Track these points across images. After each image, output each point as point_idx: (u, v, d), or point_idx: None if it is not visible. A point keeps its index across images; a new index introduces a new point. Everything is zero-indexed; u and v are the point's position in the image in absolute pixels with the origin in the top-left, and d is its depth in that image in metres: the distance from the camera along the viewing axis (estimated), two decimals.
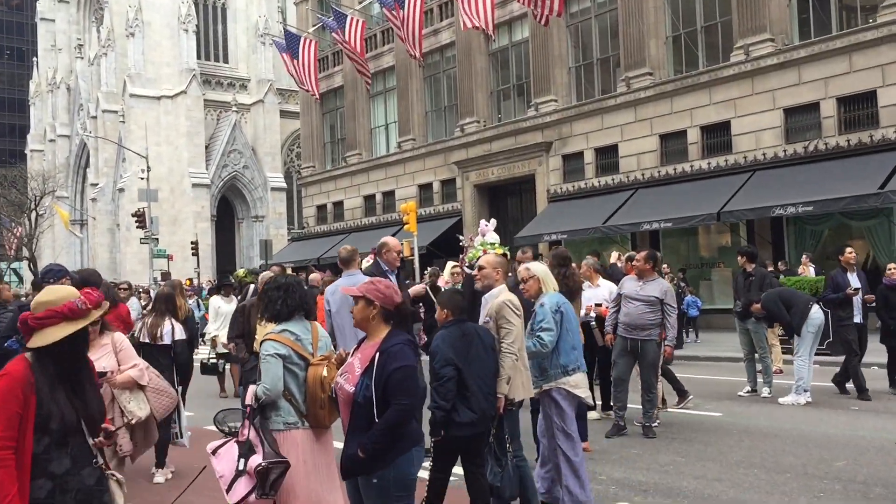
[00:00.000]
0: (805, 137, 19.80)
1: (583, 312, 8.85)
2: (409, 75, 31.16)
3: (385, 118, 33.39)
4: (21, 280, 51.52)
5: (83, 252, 67.19)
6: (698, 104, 21.97)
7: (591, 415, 8.85)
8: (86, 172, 67.17)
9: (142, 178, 36.82)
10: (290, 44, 32.07)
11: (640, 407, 8.14)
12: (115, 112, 61.06)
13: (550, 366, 5.70)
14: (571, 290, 7.31)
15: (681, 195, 21.50)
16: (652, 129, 23.10)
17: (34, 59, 77.15)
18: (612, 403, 8.50)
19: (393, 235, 24.18)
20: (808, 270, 17.98)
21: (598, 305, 8.77)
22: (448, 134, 29.98)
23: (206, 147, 60.03)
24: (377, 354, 3.89)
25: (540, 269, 6.08)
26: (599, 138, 24.49)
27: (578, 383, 5.78)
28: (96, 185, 62.70)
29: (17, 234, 50.54)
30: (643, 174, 23.16)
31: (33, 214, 52.19)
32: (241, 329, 8.61)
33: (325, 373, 4.18)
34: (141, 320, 7.67)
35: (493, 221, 8.56)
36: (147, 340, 7.20)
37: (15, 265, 53.60)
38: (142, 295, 14.86)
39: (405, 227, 22.64)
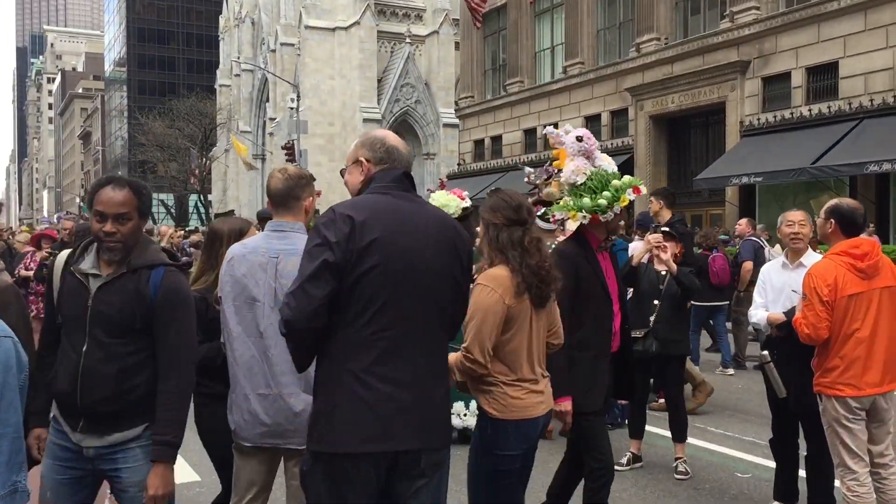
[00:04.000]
0: None
1: (778, 310, 4.75)
2: None
3: (551, 40, 29.09)
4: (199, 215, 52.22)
5: (262, 187, 68.33)
6: None
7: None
8: (266, 107, 67.71)
9: (291, 108, 35.04)
10: None
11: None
12: (293, 45, 60.58)
13: None
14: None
15: None
16: (888, 41, 17.47)
17: None
18: None
19: (548, 180, 20.40)
20: None
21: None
22: (621, 55, 25.32)
23: (379, 81, 58.25)
24: None
25: None
26: (813, 54, 19.06)
27: None
28: (274, 119, 62.92)
29: (193, 168, 51.25)
30: (872, 100, 17.65)
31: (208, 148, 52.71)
32: None
33: None
34: None
35: (587, 135, 4.49)
36: None
37: (193, 198, 54.78)
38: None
39: (554, 163, 18.67)
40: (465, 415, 6.45)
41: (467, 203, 6.20)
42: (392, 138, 2.90)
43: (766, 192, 20.83)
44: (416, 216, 2.73)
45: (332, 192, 54.96)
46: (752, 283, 10.66)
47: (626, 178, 4.18)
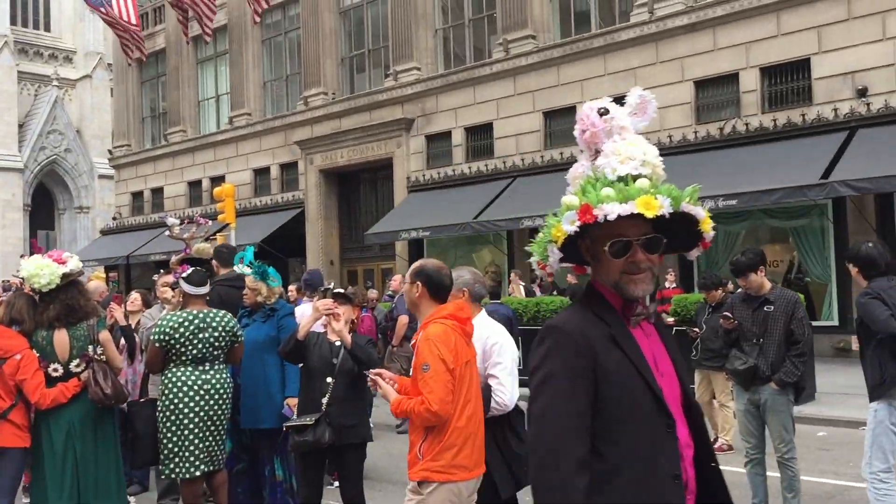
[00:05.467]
0: (720, 116, 16.16)
1: None
2: (245, 37, 25.77)
3: (216, 89, 27.78)
4: None
5: None
6: (590, 74, 17.95)
7: None
8: None
9: None
10: None
11: None
12: None
13: None
14: None
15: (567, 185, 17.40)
16: (534, 105, 18.93)
17: None
18: None
19: (214, 234, 18.92)
20: (519, 289, 15.86)
21: None
22: (290, 108, 24.83)
23: (21, 126, 51.90)
24: None
25: None
26: (471, 115, 20.10)
27: None
28: None
29: None
30: (523, 159, 18.94)
31: None
32: None
33: None
34: None
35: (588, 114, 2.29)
36: None
37: None
38: None
39: (220, 216, 17.41)
40: None
41: (69, 268, 4.90)
42: None
43: (432, 245, 21.39)
44: None
45: None
46: (406, 337, 10.45)
47: (627, 188, 2.08)
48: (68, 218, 54.12)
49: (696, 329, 8.37)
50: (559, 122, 18.64)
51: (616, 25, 17.65)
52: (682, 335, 9.05)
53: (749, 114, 15.66)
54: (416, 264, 3.94)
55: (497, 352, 4.16)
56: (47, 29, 55.60)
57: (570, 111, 18.34)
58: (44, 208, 53.07)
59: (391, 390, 3.72)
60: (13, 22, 52.35)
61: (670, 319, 11.33)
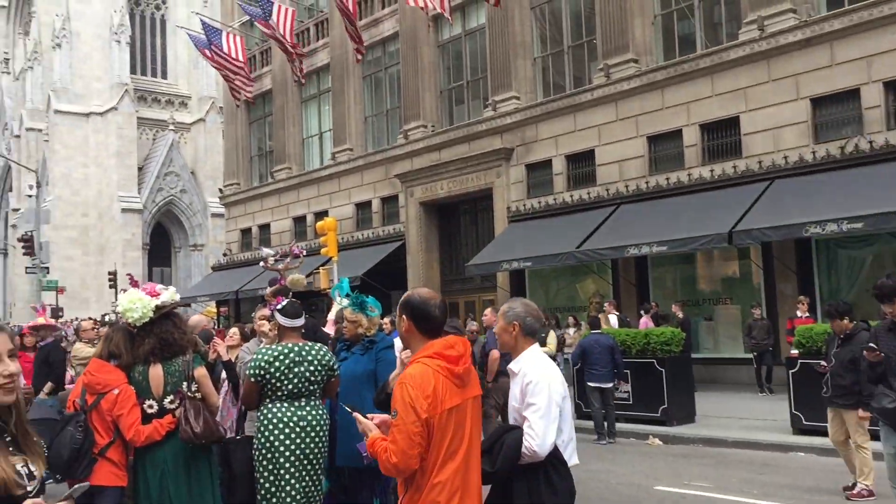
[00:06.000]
0: (840, 135, 15.20)
1: None
2: (346, 74, 26.28)
3: (319, 126, 28.41)
4: None
5: (4, 284, 61.07)
6: (697, 96, 17.29)
7: None
8: (9, 196, 61.20)
9: (30, 196, 31.42)
10: (212, 39, 27.27)
11: None
12: (40, 130, 55.61)
13: None
14: None
15: (675, 212, 16.74)
16: (638, 130, 18.36)
17: None
18: None
19: (317, 268, 19.11)
20: (607, 320, 15.67)
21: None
22: (390, 142, 25.06)
23: (140, 169, 54.72)
24: None
25: None
26: (572, 142, 19.69)
27: None
28: (17, 210, 56.87)
29: None
30: (627, 186, 18.36)
31: None
32: None
33: None
34: None
35: None
36: None
37: None
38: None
39: (323, 250, 17.57)
40: None
41: (162, 300, 4.83)
42: None
43: (534, 276, 20.99)
44: None
45: (84, 288, 50.04)
46: (501, 372, 10.05)
47: None
48: (183, 255, 56.43)
49: (825, 363, 7.67)
50: (664, 146, 18.02)
51: (724, 45, 16.96)
52: (809, 369, 8.35)
53: (873, 131, 14.64)
54: (405, 295, 3.56)
55: (531, 391, 3.70)
56: (164, 77, 58.66)
57: (676, 135, 17.73)
58: (161, 247, 55.55)
59: (370, 424, 3.39)
60: (133, 71, 55.47)
61: (794, 352, 10.55)
